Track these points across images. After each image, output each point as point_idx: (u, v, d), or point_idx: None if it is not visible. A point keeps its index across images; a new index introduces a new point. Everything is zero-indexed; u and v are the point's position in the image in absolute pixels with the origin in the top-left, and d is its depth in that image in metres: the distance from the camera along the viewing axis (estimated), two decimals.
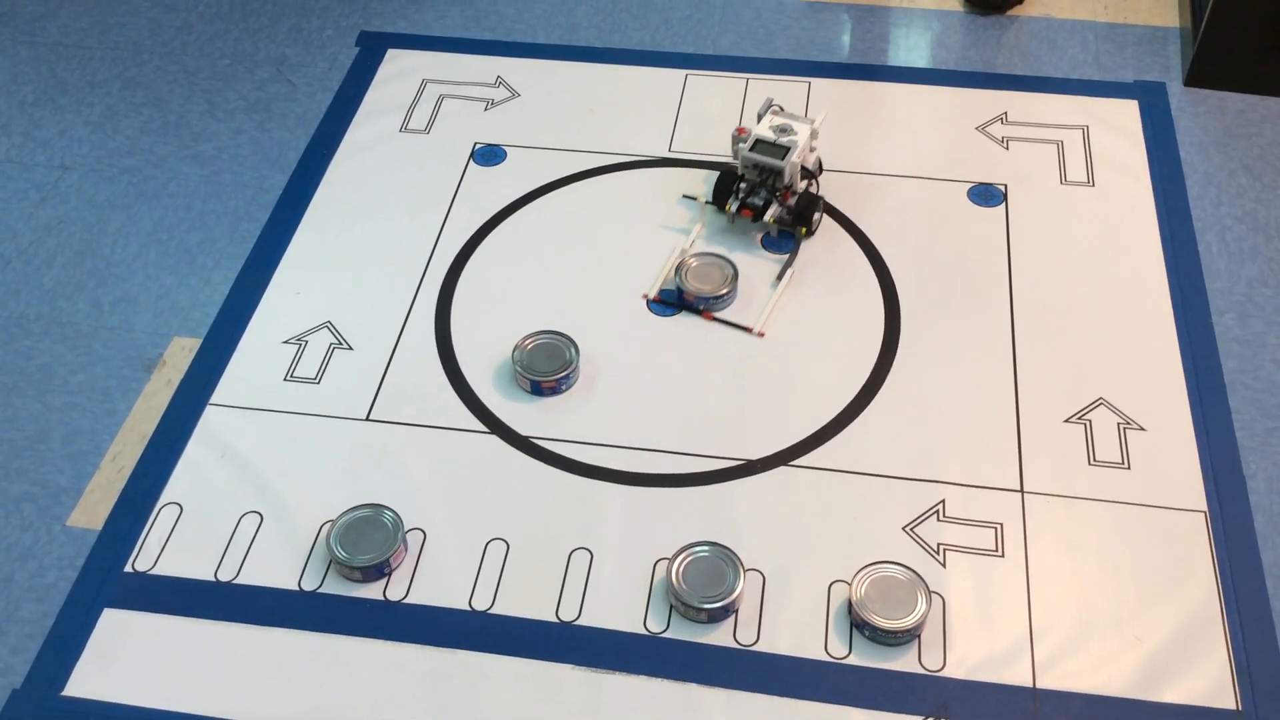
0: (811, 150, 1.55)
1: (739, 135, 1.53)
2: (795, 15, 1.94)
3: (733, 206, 1.52)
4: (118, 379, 1.45)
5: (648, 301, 1.45)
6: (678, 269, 1.49)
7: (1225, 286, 1.50)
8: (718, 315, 1.45)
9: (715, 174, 1.61)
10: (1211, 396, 1.37)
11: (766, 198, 1.51)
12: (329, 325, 1.48)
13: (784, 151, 1.49)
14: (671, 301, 1.47)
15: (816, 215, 1.53)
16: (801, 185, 1.54)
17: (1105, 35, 1.88)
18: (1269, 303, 1.48)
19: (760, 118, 1.55)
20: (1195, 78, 1.78)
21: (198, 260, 1.58)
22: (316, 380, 1.42)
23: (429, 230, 1.60)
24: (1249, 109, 1.75)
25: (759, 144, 1.51)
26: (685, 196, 1.55)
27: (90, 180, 1.70)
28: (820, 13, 1.94)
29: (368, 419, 1.38)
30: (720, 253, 1.52)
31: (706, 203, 1.58)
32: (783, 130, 1.51)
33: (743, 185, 1.53)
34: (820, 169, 1.58)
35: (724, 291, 1.46)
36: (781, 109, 1.56)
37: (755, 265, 1.54)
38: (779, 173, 1.50)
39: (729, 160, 1.68)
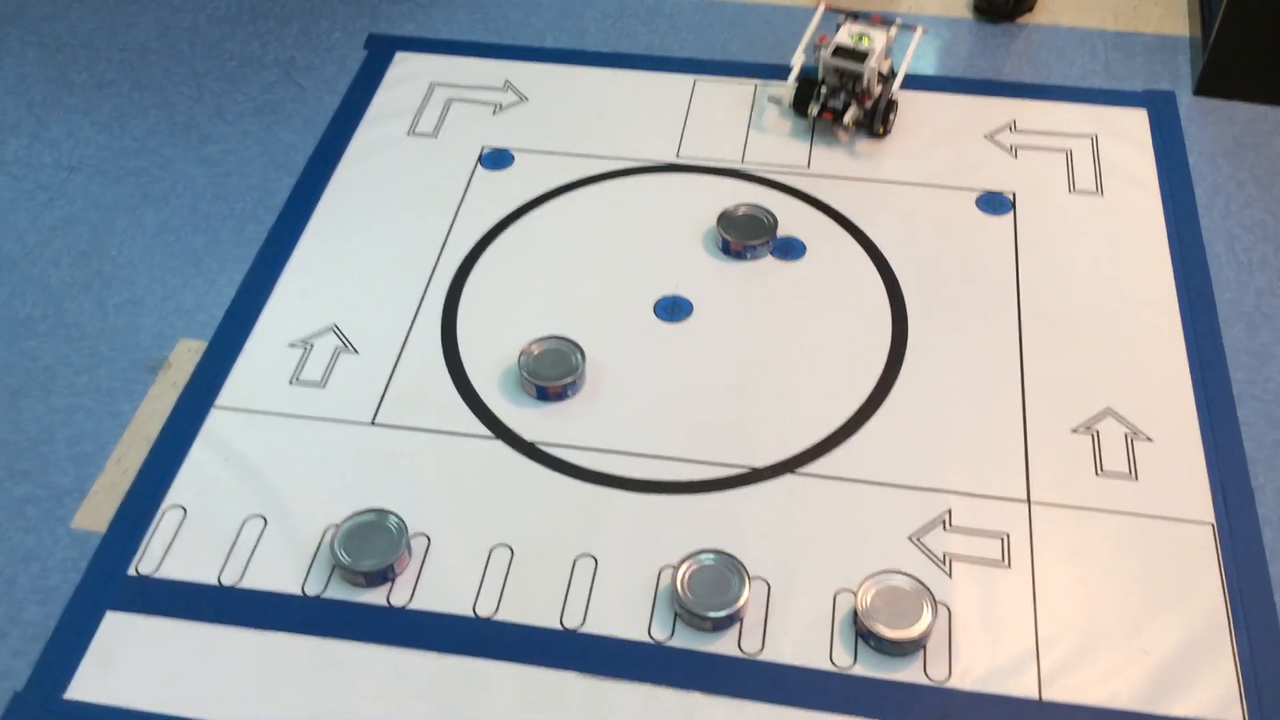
0: (887, 56, 1.67)
1: (821, 43, 1.65)
2: (803, 21, 1.93)
3: (814, 110, 1.65)
4: (123, 381, 1.45)
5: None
6: (721, 219, 1.58)
7: (1234, 297, 1.50)
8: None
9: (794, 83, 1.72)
10: (1220, 408, 1.37)
11: (846, 100, 1.64)
12: (335, 329, 1.48)
13: (863, 56, 1.61)
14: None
15: (892, 116, 1.66)
16: (877, 90, 1.65)
17: (1114, 44, 1.88)
18: (1278, 314, 1.48)
19: (838, 28, 1.67)
20: (1205, 87, 1.78)
21: (203, 262, 1.58)
22: (322, 384, 1.42)
23: (436, 234, 1.60)
24: (1259, 119, 1.74)
25: (839, 50, 1.62)
26: (771, 99, 1.72)
27: (97, 181, 1.71)
28: (828, 20, 1.94)
29: (373, 423, 1.38)
30: (762, 204, 1.60)
31: (789, 106, 1.72)
32: (860, 37, 1.64)
33: (823, 89, 1.65)
34: (894, 74, 1.70)
35: (763, 240, 1.56)
36: (857, 16, 1.69)
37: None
38: (858, 76, 1.62)
39: (737, 165, 1.68)
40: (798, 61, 1.71)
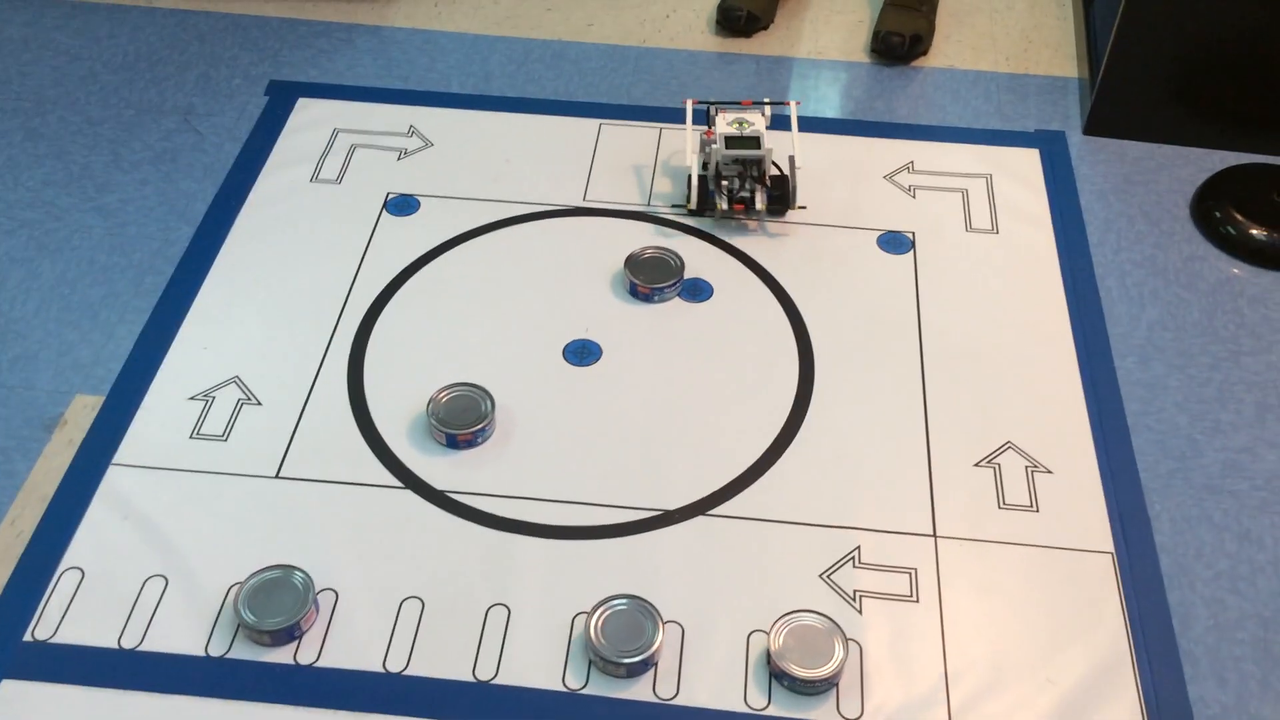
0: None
1: (707, 139, 1.64)
2: (706, 66, 1.96)
3: (723, 205, 1.64)
4: (17, 439, 1.40)
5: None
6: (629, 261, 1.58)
7: (1126, 330, 1.54)
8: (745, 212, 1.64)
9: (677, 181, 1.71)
10: (1115, 439, 1.41)
11: (750, 187, 1.63)
12: (237, 381, 1.46)
13: (756, 141, 1.61)
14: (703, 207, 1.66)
15: (793, 186, 1.65)
16: (773, 169, 1.66)
17: (1007, 86, 1.93)
18: (1169, 345, 1.53)
19: (711, 121, 1.66)
20: (1094, 127, 1.84)
21: (101, 315, 1.55)
22: (224, 437, 1.39)
23: (341, 282, 1.58)
24: (1146, 156, 1.81)
25: (730, 140, 1.61)
26: (674, 207, 1.67)
27: None
28: (731, 64, 1.97)
29: (277, 476, 1.35)
30: (668, 246, 1.62)
31: (691, 211, 1.67)
32: (741, 122, 1.62)
33: (724, 183, 1.63)
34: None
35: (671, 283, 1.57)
36: (725, 105, 1.69)
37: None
38: (758, 161, 1.63)
39: (643, 208, 1.69)
40: (694, 163, 1.67)
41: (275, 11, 2.06)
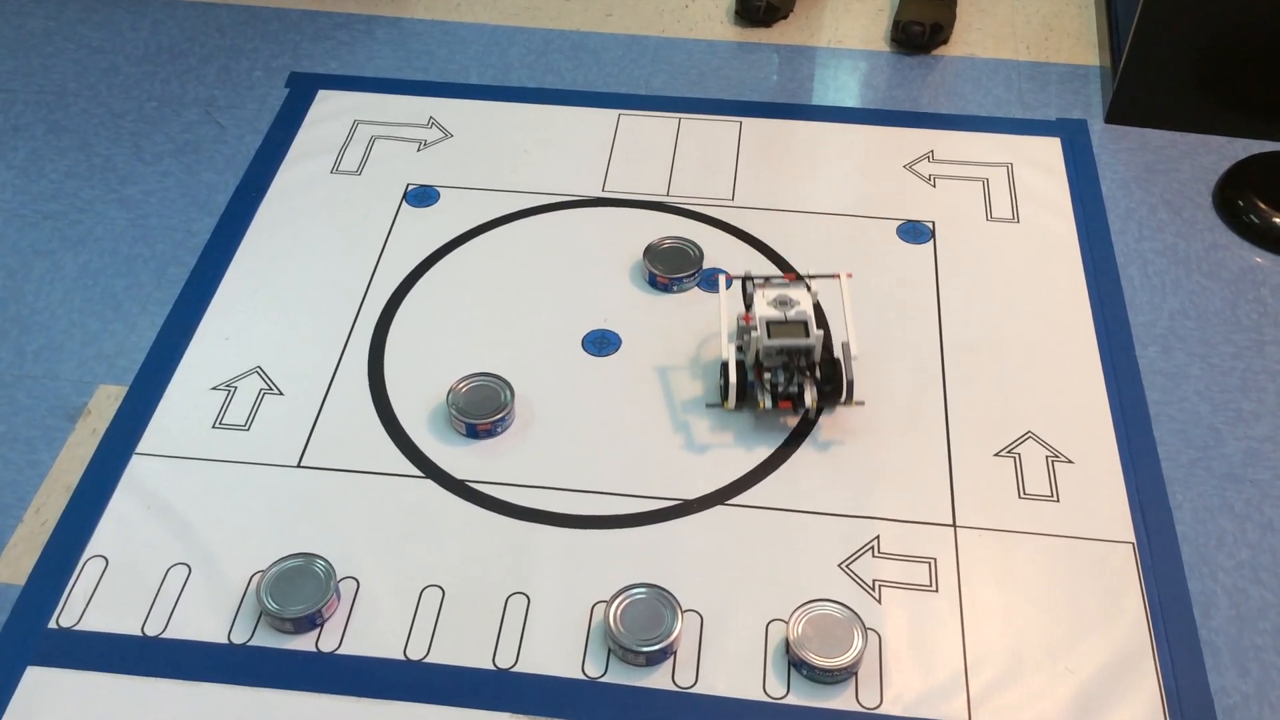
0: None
1: (745, 324, 1.38)
2: (726, 56, 1.96)
3: (767, 403, 1.36)
4: (41, 429, 1.42)
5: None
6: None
7: (1148, 320, 1.53)
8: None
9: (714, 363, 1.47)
10: (1136, 429, 1.40)
11: (798, 380, 1.36)
12: (259, 370, 1.46)
13: (804, 327, 1.35)
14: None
15: (848, 378, 1.37)
16: (821, 353, 1.39)
17: (1028, 74, 1.92)
18: (1190, 335, 1.52)
19: (749, 297, 1.40)
20: (1115, 115, 1.83)
21: (124, 306, 1.56)
22: (246, 427, 1.40)
23: (361, 273, 1.59)
24: (1169, 145, 1.80)
25: (773, 326, 1.35)
26: (709, 406, 1.40)
27: (13, 225, 1.67)
28: (750, 53, 1.97)
29: (299, 466, 1.36)
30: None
31: (730, 408, 1.39)
32: (783, 302, 1.38)
33: (766, 375, 1.37)
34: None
35: None
36: (765, 280, 1.42)
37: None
38: (808, 350, 1.36)
39: (662, 198, 1.69)
40: (730, 355, 1.37)
41: (295, 3, 2.06)
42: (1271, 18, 1.69)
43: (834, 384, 1.37)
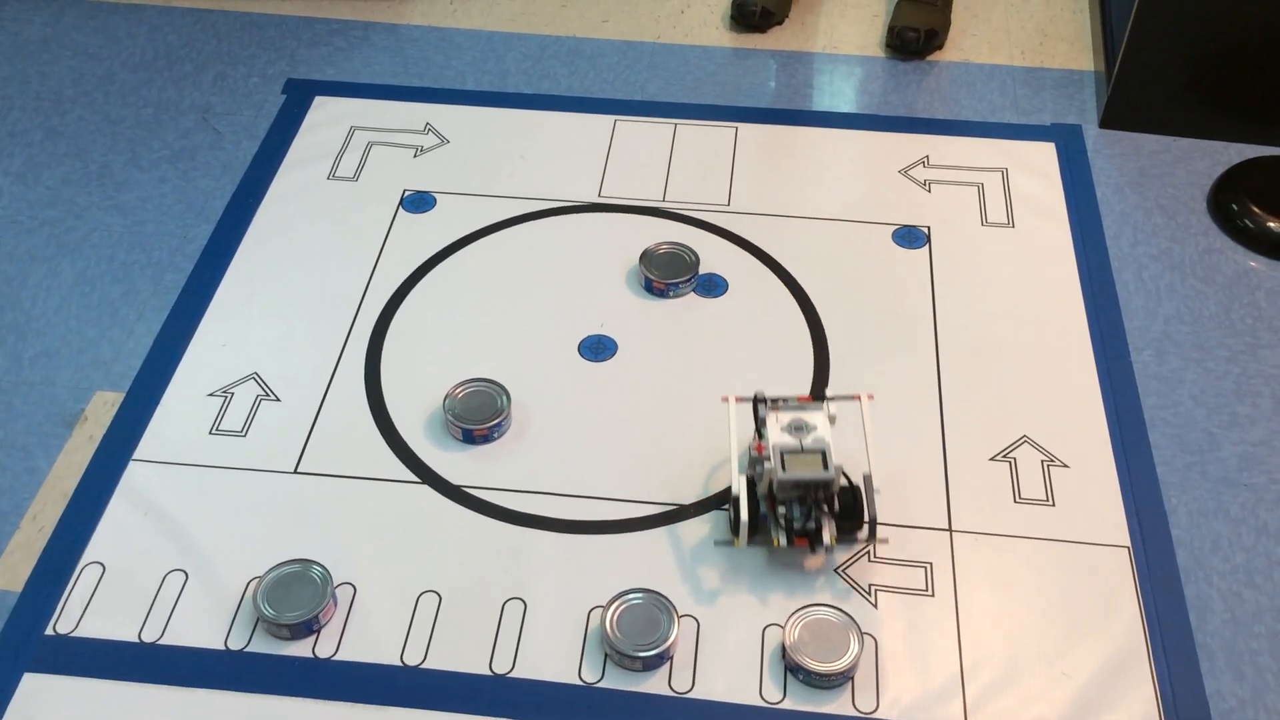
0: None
1: (758, 454, 1.26)
2: (722, 61, 1.96)
3: (781, 540, 1.24)
4: (38, 435, 1.42)
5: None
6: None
7: (1143, 324, 1.54)
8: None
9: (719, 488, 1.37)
10: (1132, 433, 1.40)
11: (816, 515, 1.24)
12: (255, 377, 1.46)
13: (822, 457, 1.23)
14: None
15: (871, 515, 1.25)
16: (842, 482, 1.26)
17: (1022, 79, 1.93)
18: (1185, 339, 1.52)
19: (760, 426, 1.29)
20: (1110, 120, 1.83)
21: (121, 312, 1.56)
22: (243, 433, 1.40)
23: (358, 279, 1.59)
24: (1163, 150, 1.80)
25: (789, 457, 1.23)
26: (717, 543, 1.29)
27: (10, 232, 1.67)
28: (746, 59, 1.97)
29: (296, 472, 1.36)
30: None
31: (740, 544, 1.26)
32: (798, 427, 1.26)
33: (780, 509, 1.24)
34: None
35: None
36: (778, 402, 1.29)
37: None
38: (827, 484, 1.23)
39: (658, 203, 1.69)
40: (741, 488, 1.25)
41: (292, 10, 2.06)
42: (1266, 23, 1.69)
43: (854, 519, 1.25)
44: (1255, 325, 1.54)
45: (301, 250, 1.63)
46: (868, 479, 1.25)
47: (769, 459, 1.24)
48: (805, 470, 1.22)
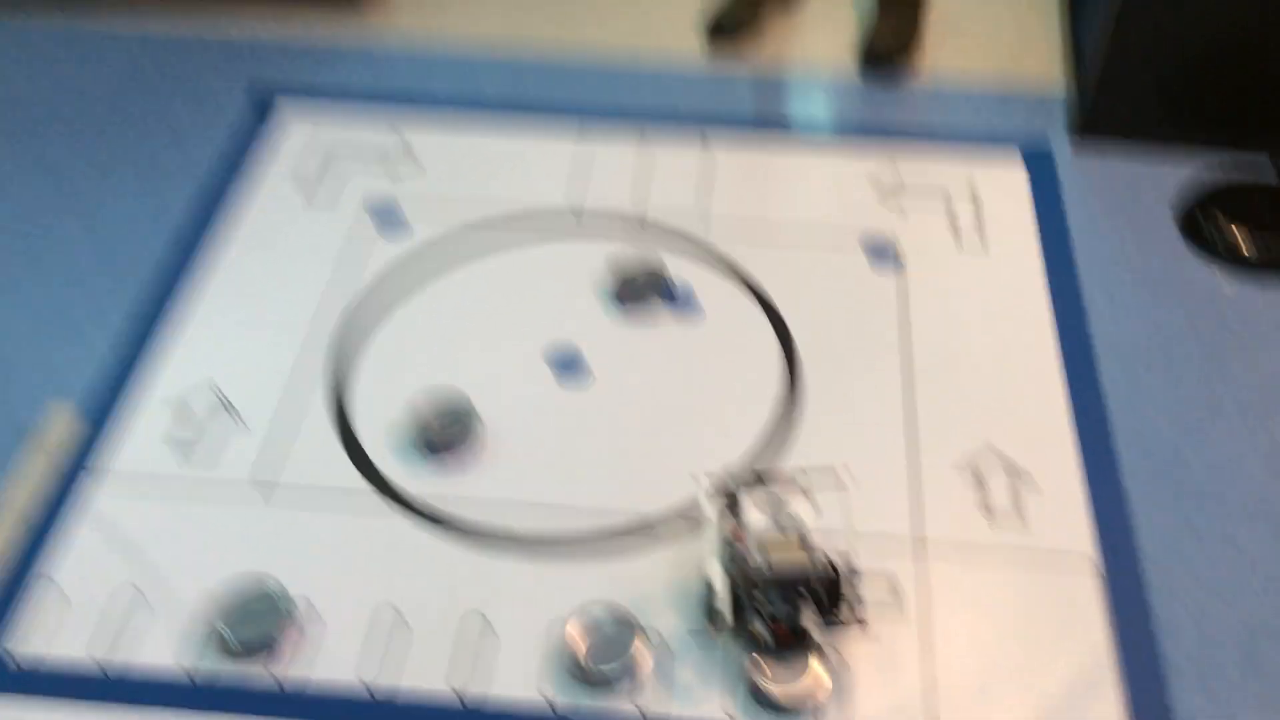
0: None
1: (736, 541, 1.19)
2: (694, 77, 1.96)
3: (763, 630, 1.17)
4: None
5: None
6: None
7: (1111, 339, 1.53)
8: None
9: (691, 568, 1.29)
10: (1098, 443, 1.40)
11: (798, 608, 1.17)
12: (215, 391, 1.45)
13: (805, 544, 1.18)
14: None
15: (852, 601, 1.19)
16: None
17: (995, 94, 1.93)
18: (1156, 356, 1.52)
19: (736, 507, 1.22)
20: (1081, 135, 1.83)
21: (79, 327, 1.54)
22: (201, 448, 1.38)
23: (324, 294, 1.57)
24: (1133, 164, 1.80)
25: (767, 542, 1.18)
26: (691, 633, 1.22)
27: None
28: (718, 74, 1.97)
29: (256, 487, 1.34)
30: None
31: (719, 638, 1.21)
32: (777, 508, 1.22)
33: (756, 592, 1.17)
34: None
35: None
36: (753, 480, 1.25)
37: None
38: (808, 570, 1.17)
39: (631, 219, 1.68)
40: (717, 579, 1.18)
41: (262, 29, 2.05)
42: (1239, 39, 1.70)
43: (837, 605, 1.19)
44: (1223, 340, 1.54)
45: (266, 265, 1.61)
46: (849, 564, 1.19)
47: (745, 543, 1.19)
48: (785, 557, 1.17)
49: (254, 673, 1.19)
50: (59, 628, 1.22)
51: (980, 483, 1.36)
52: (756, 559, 1.17)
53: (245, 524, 1.31)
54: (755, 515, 1.22)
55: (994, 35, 2.06)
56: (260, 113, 1.87)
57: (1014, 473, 1.37)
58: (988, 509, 1.33)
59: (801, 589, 1.17)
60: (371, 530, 1.31)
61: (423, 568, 1.27)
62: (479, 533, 1.31)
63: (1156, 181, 1.77)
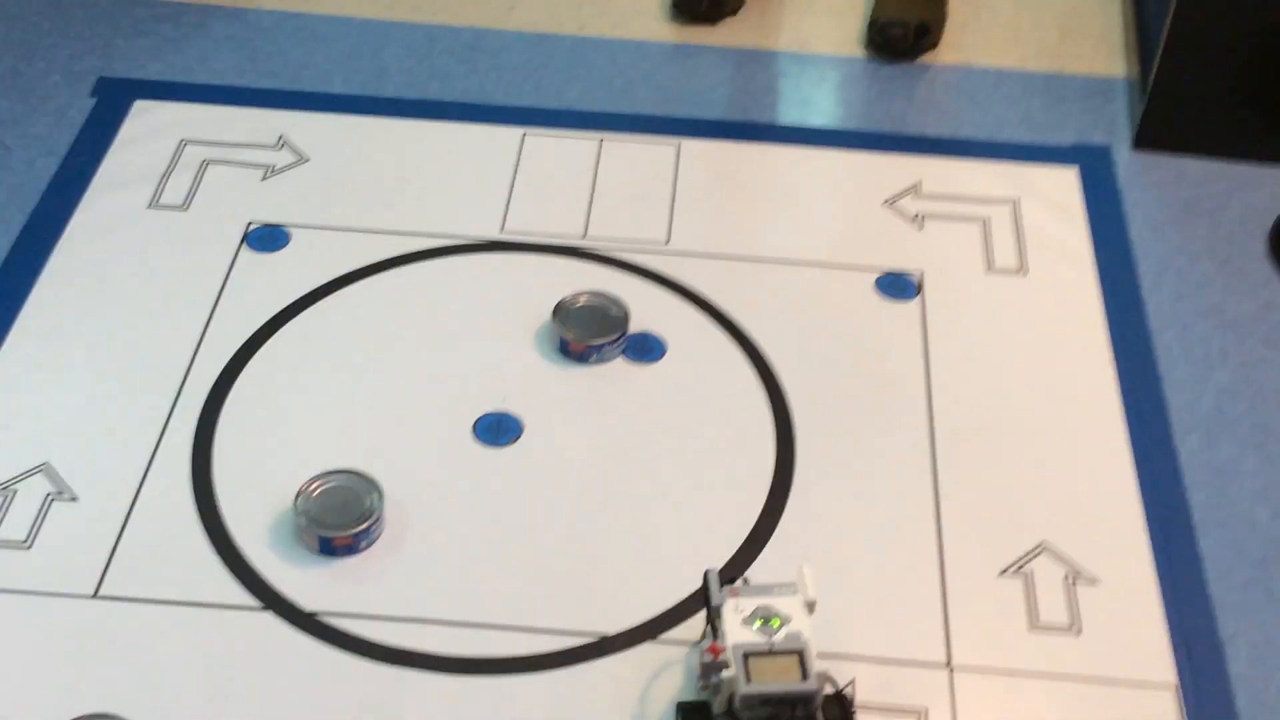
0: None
1: (712, 660, 1.18)
2: (660, 60, 1.97)
3: None
4: None
5: None
6: None
7: (1189, 400, 1.55)
8: None
9: None
10: (1177, 539, 1.41)
11: None
12: (46, 469, 1.43)
13: (801, 662, 1.17)
14: None
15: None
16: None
17: (1038, 87, 1.96)
18: (1243, 419, 1.54)
19: (716, 611, 1.22)
20: (1146, 139, 1.86)
21: None
22: (27, 544, 1.37)
23: (186, 338, 1.57)
24: (1213, 177, 1.83)
25: (755, 661, 1.17)
26: None
27: None
28: (691, 57, 1.99)
29: (96, 596, 1.33)
30: None
31: None
32: (766, 618, 1.20)
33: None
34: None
35: None
36: (734, 582, 1.24)
37: None
38: (807, 699, 1.17)
39: (577, 242, 1.69)
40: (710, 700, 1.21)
41: None
42: None
43: None
44: None
45: (113, 301, 1.61)
46: (848, 690, 1.19)
47: (728, 664, 1.18)
48: (778, 680, 1.16)
49: None
50: None
51: (1027, 584, 1.36)
52: (742, 683, 1.16)
53: (85, 643, 1.29)
54: (739, 627, 1.20)
55: (1037, 14, 2.10)
56: (104, 101, 1.87)
57: (1068, 571, 1.38)
58: (1036, 619, 1.34)
59: (801, 713, 1.17)
60: (250, 652, 1.29)
61: (316, 699, 1.26)
62: (389, 653, 1.30)
63: (1243, 196, 1.80)
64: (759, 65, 1.98)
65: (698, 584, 1.35)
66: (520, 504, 1.42)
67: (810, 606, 1.22)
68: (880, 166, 1.82)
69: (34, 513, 1.39)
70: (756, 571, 1.36)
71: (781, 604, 1.22)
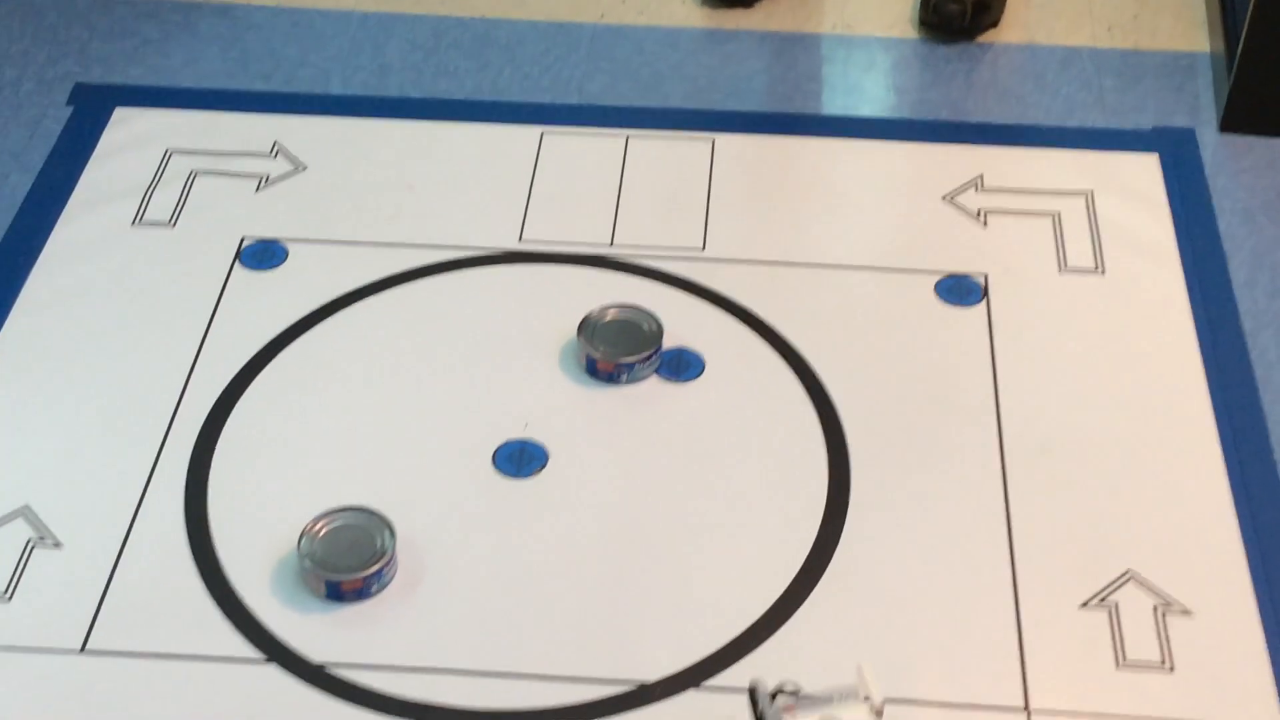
0: None
1: None
2: (690, 48, 1.98)
3: None
4: None
5: None
6: None
7: None
8: None
9: None
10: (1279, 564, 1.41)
11: None
12: (26, 513, 1.45)
13: None
14: None
15: None
16: None
17: (1112, 66, 1.95)
18: None
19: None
20: (1234, 120, 1.86)
21: None
22: (7, 595, 1.38)
23: (175, 366, 1.58)
24: None
25: None
26: None
27: None
28: (725, 43, 1.99)
29: (84, 650, 1.34)
30: None
31: None
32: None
33: None
34: None
35: None
36: (795, 693, 1.20)
37: None
38: None
39: (604, 250, 1.70)
40: None
41: None
42: None
43: None
44: None
45: (96, 327, 1.62)
46: None
47: None
48: None
49: None
50: None
51: (1112, 618, 1.36)
52: None
53: (72, 702, 1.30)
54: None
55: None
56: (82, 109, 1.89)
57: (1159, 602, 1.37)
58: (1123, 657, 1.34)
59: None
60: (252, 707, 1.30)
61: None
62: (403, 707, 1.30)
63: None
64: (800, 50, 1.99)
65: (743, 625, 1.36)
66: (546, 540, 1.43)
67: (880, 712, 1.18)
68: (938, 158, 1.82)
69: (14, 561, 1.41)
70: (806, 617, 1.36)
71: (848, 715, 1.18)
